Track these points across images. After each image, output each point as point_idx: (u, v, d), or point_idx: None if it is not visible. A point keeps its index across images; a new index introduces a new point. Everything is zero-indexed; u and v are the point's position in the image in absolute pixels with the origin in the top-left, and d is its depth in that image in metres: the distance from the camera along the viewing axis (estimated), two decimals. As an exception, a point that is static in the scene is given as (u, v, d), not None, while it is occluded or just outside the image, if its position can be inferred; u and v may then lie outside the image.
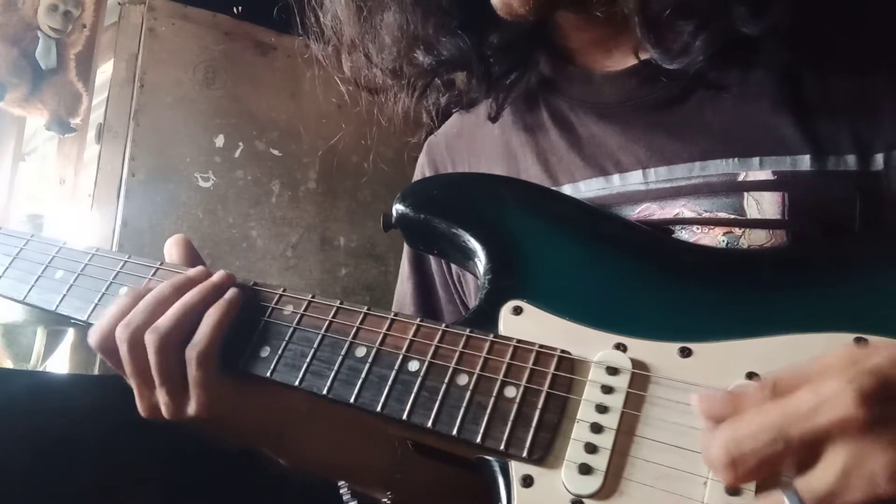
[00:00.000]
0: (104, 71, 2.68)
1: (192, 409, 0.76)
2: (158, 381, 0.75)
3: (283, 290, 0.79)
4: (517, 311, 0.72)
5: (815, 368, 0.53)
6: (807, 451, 0.50)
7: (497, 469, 0.65)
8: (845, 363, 0.51)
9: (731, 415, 0.54)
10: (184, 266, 0.84)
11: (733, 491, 0.57)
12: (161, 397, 0.76)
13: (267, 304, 0.79)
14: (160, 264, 0.85)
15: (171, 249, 0.86)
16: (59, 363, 2.42)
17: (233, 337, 0.77)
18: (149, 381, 0.76)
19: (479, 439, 0.65)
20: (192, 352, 0.74)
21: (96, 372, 2.34)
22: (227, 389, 0.76)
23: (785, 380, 0.53)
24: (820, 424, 0.50)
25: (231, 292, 0.78)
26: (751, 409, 0.53)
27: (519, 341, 0.69)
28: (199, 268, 0.81)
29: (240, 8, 2.80)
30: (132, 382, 0.78)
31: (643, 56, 0.83)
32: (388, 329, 0.73)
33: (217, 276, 0.80)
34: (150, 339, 0.74)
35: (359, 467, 0.88)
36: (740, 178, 0.79)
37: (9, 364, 2.32)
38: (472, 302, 0.95)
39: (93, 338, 0.78)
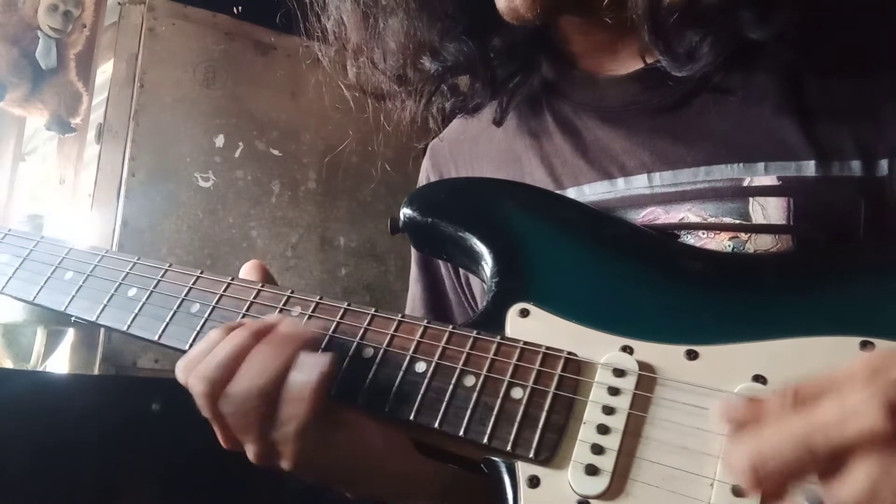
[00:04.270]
0: (104, 71, 2.68)
1: (285, 466, 0.71)
2: (248, 438, 0.71)
3: (291, 292, 0.79)
4: (524, 313, 0.72)
5: (837, 378, 0.52)
6: (831, 462, 0.50)
7: (503, 470, 0.65)
8: (867, 373, 0.51)
9: (751, 422, 0.53)
10: (256, 282, 0.81)
11: (739, 492, 0.57)
12: (249, 449, 0.72)
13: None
14: (231, 279, 0.81)
15: (248, 276, 0.83)
16: (59, 363, 2.42)
17: None
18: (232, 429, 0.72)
19: (485, 440, 0.65)
20: (286, 430, 0.69)
21: (96, 372, 2.34)
22: (319, 440, 0.71)
23: (806, 388, 0.53)
24: (847, 436, 0.49)
25: (326, 364, 0.69)
26: (774, 417, 0.52)
27: (526, 343, 0.69)
28: (278, 316, 0.74)
29: (240, 8, 2.80)
30: (213, 424, 0.73)
31: (649, 60, 0.84)
32: (396, 330, 0.74)
33: (301, 333, 0.71)
34: (226, 408, 0.69)
35: (420, 491, 0.87)
36: (745, 184, 0.79)
37: (9, 364, 2.32)
38: (480, 304, 0.95)
39: (180, 374, 0.72)
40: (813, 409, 0.51)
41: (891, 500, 0.48)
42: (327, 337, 0.75)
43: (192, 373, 0.70)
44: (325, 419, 0.71)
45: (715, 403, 0.57)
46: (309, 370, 0.69)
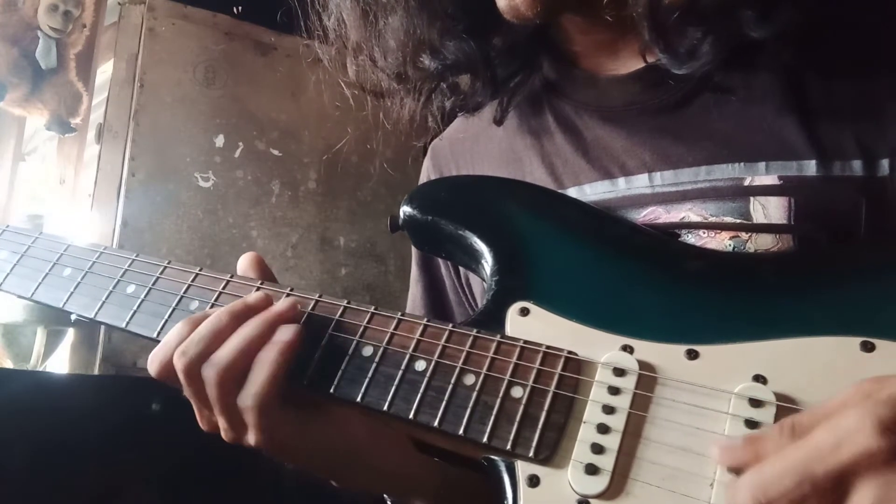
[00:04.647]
0: (104, 71, 2.68)
1: (251, 440, 0.73)
2: (217, 411, 0.73)
3: (290, 289, 0.79)
4: (524, 312, 0.72)
5: (832, 406, 0.53)
6: (834, 488, 0.50)
7: (503, 469, 0.65)
8: (860, 397, 0.51)
9: (752, 461, 0.53)
10: (255, 280, 0.82)
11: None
12: (220, 424, 0.74)
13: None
14: (231, 276, 0.82)
15: (247, 271, 0.83)
16: (59, 363, 2.42)
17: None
18: (209, 405, 0.74)
19: (485, 439, 0.65)
20: (245, 401, 0.71)
21: (96, 372, 2.34)
22: (289, 420, 0.74)
23: (803, 420, 0.53)
24: (843, 460, 0.49)
25: (289, 332, 0.72)
26: (772, 453, 0.52)
27: (526, 342, 0.69)
28: (260, 293, 0.76)
29: (240, 8, 2.80)
30: (192, 402, 0.76)
31: (650, 59, 0.84)
32: (395, 328, 0.73)
33: (279, 305, 0.74)
34: (206, 374, 0.72)
35: (408, 487, 0.87)
36: (746, 183, 0.79)
37: (9, 364, 2.32)
38: (479, 304, 0.95)
39: (152, 366, 0.75)
40: (809, 438, 0.51)
41: None
42: (306, 314, 0.76)
43: (175, 354, 0.73)
44: (301, 405, 0.73)
45: (712, 449, 0.58)
46: (274, 342, 0.72)
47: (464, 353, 0.70)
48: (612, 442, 0.62)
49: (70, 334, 2.41)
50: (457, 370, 0.69)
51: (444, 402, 0.68)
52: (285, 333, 0.72)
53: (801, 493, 0.50)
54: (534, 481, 0.63)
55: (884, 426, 0.49)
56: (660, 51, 0.79)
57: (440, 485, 0.86)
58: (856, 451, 0.49)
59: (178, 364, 0.72)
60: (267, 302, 0.75)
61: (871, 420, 0.49)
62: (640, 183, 0.85)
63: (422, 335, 0.72)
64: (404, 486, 0.87)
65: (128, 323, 0.82)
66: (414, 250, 1.03)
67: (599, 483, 0.61)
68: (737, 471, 0.56)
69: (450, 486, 0.86)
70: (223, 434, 0.75)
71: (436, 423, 0.67)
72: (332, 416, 0.76)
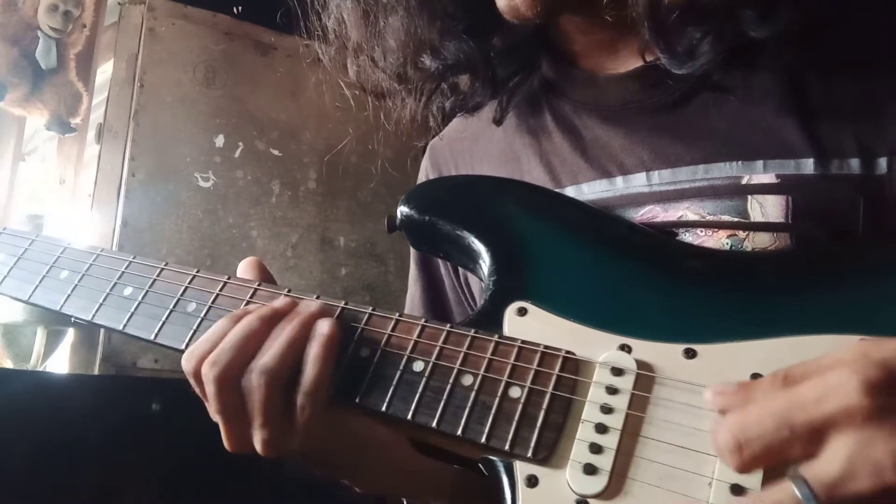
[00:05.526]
0: (104, 71, 2.68)
1: (295, 445, 0.72)
2: (261, 421, 0.70)
3: (288, 290, 0.79)
4: (522, 312, 0.72)
5: (826, 362, 0.54)
6: (811, 439, 0.51)
7: (502, 469, 0.65)
8: (853, 356, 0.52)
9: (741, 404, 0.55)
10: (252, 281, 0.81)
11: (738, 491, 0.57)
12: (261, 434, 0.71)
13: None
14: (228, 278, 0.81)
15: (246, 275, 0.83)
16: (59, 363, 2.42)
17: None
18: (243, 418, 0.71)
19: (483, 439, 0.65)
20: (303, 398, 0.70)
21: (96, 372, 2.34)
22: (331, 422, 0.73)
23: (796, 372, 0.54)
24: (824, 412, 0.50)
25: (327, 325, 0.72)
26: (761, 398, 0.54)
27: (523, 342, 0.69)
28: (285, 300, 0.75)
29: (240, 8, 2.80)
30: (219, 419, 0.72)
31: (650, 58, 0.84)
32: (393, 330, 0.73)
33: (314, 306, 0.74)
34: (251, 382, 0.69)
35: (425, 487, 0.87)
36: (744, 182, 0.79)
37: (9, 364, 2.32)
38: (478, 303, 0.95)
39: (187, 364, 0.72)
40: (797, 387, 0.53)
41: (869, 475, 0.49)
42: (339, 309, 0.75)
43: (203, 360, 0.70)
44: (338, 406, 0.72)
45: (706, 391, 0.59)
46: (317, 337, 0.71)
47: (462, 354, 0.70)
48: (610, 442, 0.62)
49: (70, 334, 2.41)
50: (455, 371, 0.69)
51: (442, 403, 0.68)
52: (324, 327, 0.72)
53: (779, 437, 0.51)
54: (532, 481, 0.63)
55: (869, 384, 0.50)
56: (659, 50, 0.79)
57: (452, 483, 0.86)
58: (838, 405, 0.50)
59: (209, 375, 0.70)
60: (293, 305, 0.74)
61: (859, 378, 0.50)
62: (637, 182, 0.85)
63: (419, 336, 0.72)
64: (417, 485, 0.87)
65: (125, 325, 0.82)
66: (413, 250, 1.03)
67: (598, 483, 0.61)
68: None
69: (461, 484, 0.86)
70: (261, 446, 0.72)
71: (434, 424, 0.67)
72: (361, 419, 0.74)
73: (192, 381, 0.73)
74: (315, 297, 0.78)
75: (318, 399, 0.70)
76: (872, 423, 0.49)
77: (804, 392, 0.52)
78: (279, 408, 0.70)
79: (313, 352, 0.70)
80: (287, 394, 0.70)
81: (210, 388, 0.70)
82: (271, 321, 0.72)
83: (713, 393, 0.58)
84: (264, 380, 0.69)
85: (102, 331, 2.35)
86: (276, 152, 2.80)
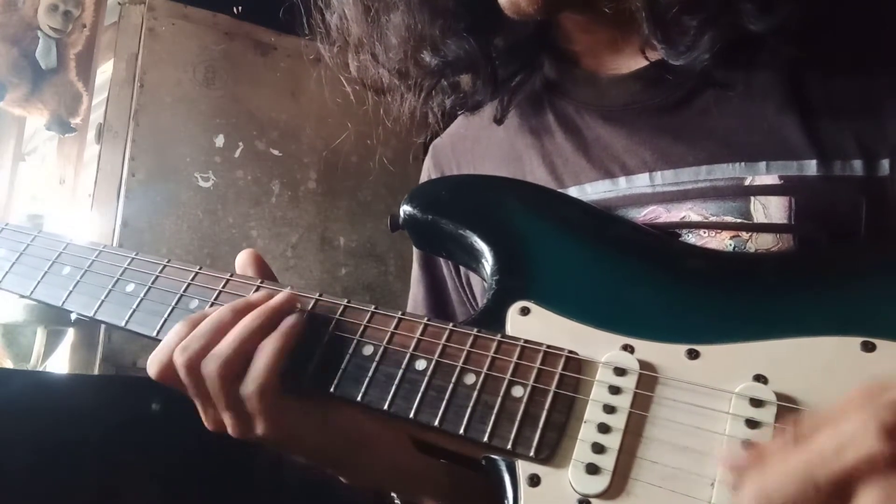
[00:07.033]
0: (104, 71, 2.68)
1: (258, 431, 0.74)
2: (220, 407, 0.73)
3: (291, 288, 0.79)
4: (524, 311, 0.72)
5: (834, 410, 0.52)
6: (838, 494, 0.49)
7: (504, 468, 0.65)
8: (862, 401, 0.51)
9: (755, 465, 0.53)
10: (255, 278, 0.82)
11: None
12: (226, 420, 0.74)
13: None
14: (230, 275, 0.82)
15: (245, 268, 0.83)
16: (59, 363, 2.42)
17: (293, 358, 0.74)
18: (212, 401, 0.74)
19: (486, 438, 0.65)
20: (247, 388, 0.72)
21: (96, 372, 2.34)
22: (292, 410, 0.74)
23: (805, 425, 0.53)
24: (846, 464, 0.49)
25: (289, 321, 0.74)
26: (775, 458, 0.52)
27: (526, 341, 0.69)
28: (262, 292, 0.77)
29: (240, 8, 2.80)
30: (195, 401, 0.76)
31: (651, 56, 0.84)
32: (396, 328, 0.73)
33: (277, 298, 0.75)
34: (206, 369, 0.72)
35: (417, 484, 0.86)
36: (747, 183, 0.79)
37: (9, 364, 2.32)
38: (479, 303, 0.95)
39: (151, 368, 0.75)
40: (811, 443, 0.51)
41: None
42: (306, 312, 0.76)
43: (176, 351, 0.73)
44: (305, 393, 0.73)
45: (715, 456, 0.58)
46: (279, 329, 0.73)
47: (464, 353, 0.70)
48: (612, 441, 0.62)
49: (70, 334, 2.41)
50: (457, 369, 0.69)
51: (444, 402, 0.68)
52: (287, 321, 0.73)
53: (805, 497, 0.50)
54: (534, 481, 0.63)
55: (887, 430, 0.49)
56: (658, 41, 0.79)
57: (449, 482, 0.86)
58: (858, 455, 0.49)
59: (179, 360, 0.73)
60: (267, 298, 0.76)
61: (875, 424, 0.49)
62: (640, 182, 0.85)
63: (422, 334, 0.72)
64: (413, 483, 0.87)
65: (127, 321, 0.82)
66: (415, 250, 1.03)
67: (600, 482, 0.61)
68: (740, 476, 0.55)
69: (459, 483, 0.85)
70: (230, 429, 0.75)
71: (436, 423, 0.67)
72: (337, 405, 0.75)
73: (162, 372, 0.75)
74: (318, 294, 0.78)
75: (263, 389, 0.71)
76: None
77: (821, 446, 0.50)
78: (233, 395, 0.72)
79: (267, 343, 0.72)
80: (240, 380, 0.72)
81: (181, 373, 0.73)
82: (242, 313, 0.74)
83: (724, 462, 0.57)
84: (215, 368, 0.71)
85: (102, 330, 2.34)
86: (276, 152, 2.80)
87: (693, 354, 0.65)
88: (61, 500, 1.94)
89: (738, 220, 0.79)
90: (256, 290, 0.80)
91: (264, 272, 0.83)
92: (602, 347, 0.67)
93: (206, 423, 0.77)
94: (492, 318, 0.73)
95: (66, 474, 1.91)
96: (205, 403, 0.75)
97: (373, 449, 0.80)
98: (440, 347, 0.71)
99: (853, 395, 0.52)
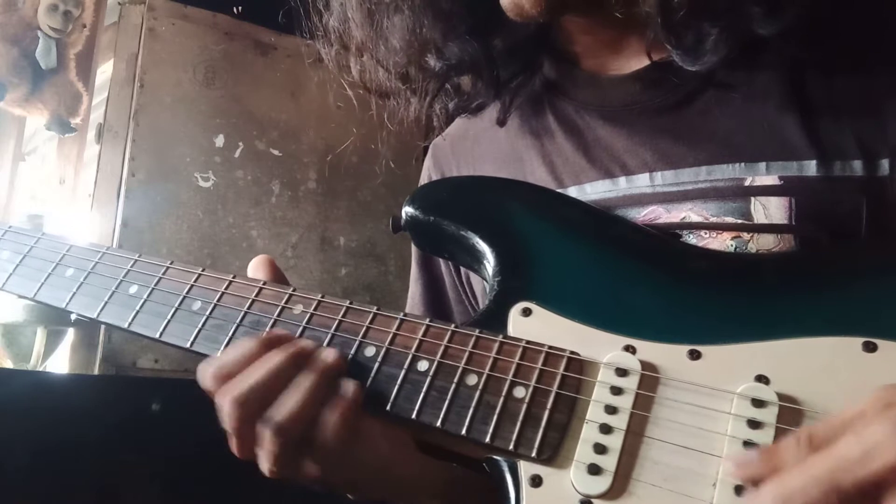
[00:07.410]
0: (104, 71, 2.67)
1: (305, 474, 0.72)
2: (268, 465, 0.70)
3: (294, 290, 0.79)
4: (526, 312, 0.72)
5: (850, 416, 0.52)
6: (861, 499, 0.49)
7: (506, 469, 0.65)
8: (880, 407, 0.51)
9: (771, 473, 0.53)
10: (258, 280, 0.80)
11: (742, 491, 0.57)
12: (267, 467, 0.71)
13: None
14: (233, 276, 0.81)
15: (257, 274, 0.82)
16: (59, 363, 2.41)
17: None
18: (253, 447, 0.71)
19: (488, 439, 0.65)
20: (317, 455, 0.70)
21: (96, 372, 2.34)
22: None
23: (819, 430, 0.53)
24: (873, 471, 0.49)
25: (354, 388, 0.70)
26: (793, 464, 0.52)
27: (528, 342, 0.69)
28: (310, 342, 0.73)
29: (240, 8, 2.80)
30: (230, 435, 0.72)
31: (656, 57, 0.84)
32: (398, 329, 0.73)
33: (332, 356, 0.71)
34: (270, 436, 0.68)
35: (420, 490, 0.87)
36: (747, 183, 0.79)
37: (9, 364, 2.32)
38: (480, 303, 0.96)
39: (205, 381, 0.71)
40: (832, 448, 0.51)
41: None
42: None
43: (226, 391, 0.69)
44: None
45: (727, 464, 0.57)
46: (343, 400, 0.69)
47: (466, 354, 0.70)
48: (614, 442, 0.62)
49: (70, 334, 2.40)
50: (459, 370, 0.69)
51: (446, 402, 0.68)
52: (348, 388, 0.70)
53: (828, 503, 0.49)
54: (536, 481, 0.63)
55: None
56: (671, 46, 0.79)
57: (451, 484, 0.86)
58: (885, 462, 0.49)
59: (231, 411, 0.69)
60: (317, 347, 0.73)
61: None
62: (641, 182, 0.85)
63: (424, 335, 0.72)
64: (419, 491, 0.86)
65: (130, 323, 0.82)
66: (414, 249, 1.03)
67: (602, 483, 0.61)
68: (754, 483, 0.55)
69: (458, 484, 0.85)
70: (267, 474, 0.72)
71: (438, 423, 0.67)
72: (363, 437, 0.72)
73: (206, 391, 0.72)
74: (320, 296, 0.77)
75: (328, 458, 0.70)
76: None
77: (845, 452, 0.50)
78: (289, 458, 0.70)
79: (333, 419, 0.69)
80: (299, 447, 0.70)
81: (230, 420, 0.69)
82: (296, 360, 0.70)
83: (735, 465, 0.56)
84: (278, 438, 0.68)
85: (102, 331, 2.34)
86: (276, 152, 2.80)
87: (695, 355, 0.65)
88: (61, 500, 1.94)
89: (739, 221, 0.79)
90: (259, 291, 0.80)
91: (276, 276, 0.82)
92: (604, 348, 0.68)
93: (236, 453, 0.73)
94: (493, 318, 0.73)
95: (66, 474, 1.91)
96: (244, 443, 0.71)
97: (391, 469, 0.77)
98: (442, 348, 0.71)
99: (868, 401, 0.52)
